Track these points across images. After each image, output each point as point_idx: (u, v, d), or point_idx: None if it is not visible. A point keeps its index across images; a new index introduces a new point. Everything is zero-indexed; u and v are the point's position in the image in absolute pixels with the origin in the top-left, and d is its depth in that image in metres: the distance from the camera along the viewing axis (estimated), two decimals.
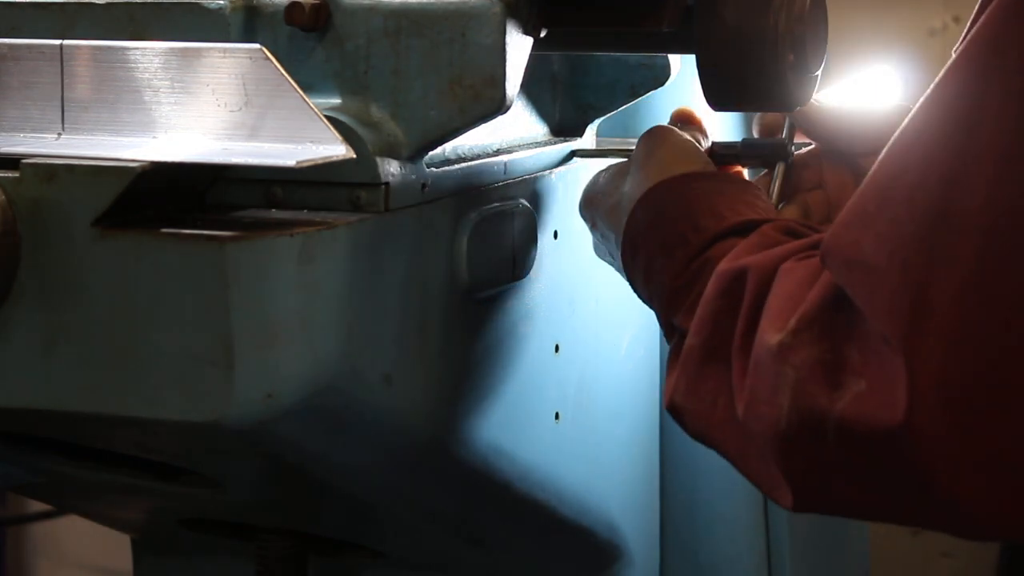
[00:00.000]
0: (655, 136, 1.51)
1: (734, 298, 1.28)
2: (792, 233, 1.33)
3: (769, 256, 1.28)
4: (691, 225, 1.38)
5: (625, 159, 1.58)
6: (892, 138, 1.14)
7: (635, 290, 1.46)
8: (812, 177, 1.61)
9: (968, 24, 1.13)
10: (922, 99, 1.12)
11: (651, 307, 1.44)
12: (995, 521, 1.11)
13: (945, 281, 1.08)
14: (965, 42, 1.10)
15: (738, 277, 1.28)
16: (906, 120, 1.13)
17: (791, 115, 1.58)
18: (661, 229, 1.40)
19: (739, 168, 1.62)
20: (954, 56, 1.11)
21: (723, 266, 1.31)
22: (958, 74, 1.10)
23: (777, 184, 1.60)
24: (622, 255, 1.45)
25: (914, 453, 1.10)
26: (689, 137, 1.53)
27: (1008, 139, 1.06)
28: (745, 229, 1.35)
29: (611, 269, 1.55)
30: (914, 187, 1.10)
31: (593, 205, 1.54)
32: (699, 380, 1.31)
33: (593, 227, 1.56)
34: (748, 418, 1.22)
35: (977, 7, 1.14)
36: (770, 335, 1.19)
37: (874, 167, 1.15)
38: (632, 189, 1.46)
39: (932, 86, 1.12)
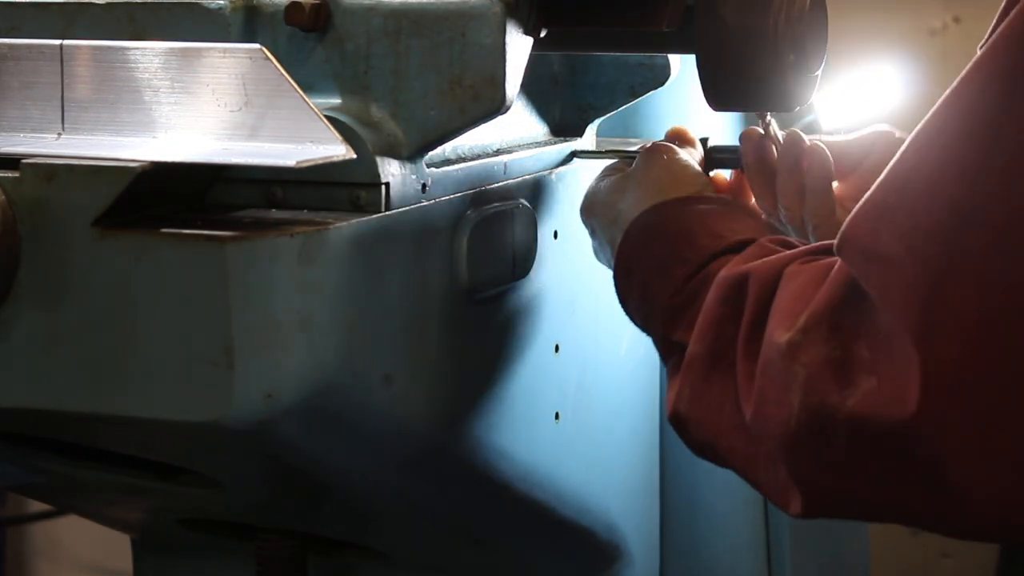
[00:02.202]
0: (654, 155, 1.52)
1: (736, 304, 1.28)
2: (788, 246, 1.33)
3: (770, 262, 1.28)
4: (688, 245, 1.38)
5: (625, 161, 1.58)
6: (914, 131, 1.14)
7: (627, 311, 1.46)
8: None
9: (994, 22, 1.13)
10: (945, 95, 1.12)
11: (644, 328, 1.44)
12: (1007, 520, 1.11)
13: (963, 275, 1.08)
14: (991, 40, 1.10)
15: (739, 284, 1.28)
16: (928, 114, 1.13)
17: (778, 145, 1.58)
18: (657, 250, 1.40)
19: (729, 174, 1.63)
20: (979, 53, 1.11)
21: (723, 274, 1.31)
22: (982, 71, 1.10)
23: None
24: (615, 276, 1.45)
25: (926, 447, 1.10)
26: (688, 157, 1.53)
27: None
28: (743, 247, 1.36)
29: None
30: (934, 180, 1.10)
31: (593, 214, 1.54)
32: (704, 388, 1.31)
33: (593, 234, 1.56)
34: (757, 421, 1.22)
35: (1003, 5, 1.13)
36: (779, 334, 1.19)
37: (894, 159, 1.14)
38: (628, 208, 1.46)
39: (955, 82, 1.11)
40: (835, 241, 1.18)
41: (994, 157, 1.07)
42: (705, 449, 1.34)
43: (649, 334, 1.44)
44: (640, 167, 1.51)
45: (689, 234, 1.39)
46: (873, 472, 1.15)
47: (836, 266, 1.18)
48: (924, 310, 1.09)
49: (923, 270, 1.09)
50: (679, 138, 1.61)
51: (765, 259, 1.29)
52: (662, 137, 1.63)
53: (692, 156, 1.56)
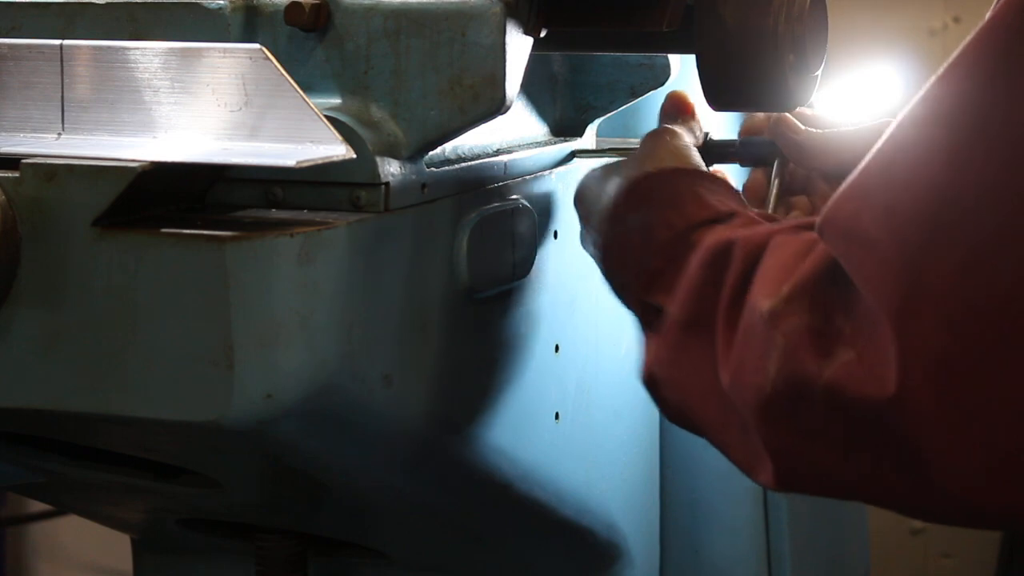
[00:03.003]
0: (655, 136, 1.52)
1: (720, 269, 1.28)
2: (775, 221, 1.34)
3: (757, 231, 1.28)
4: (675, 211, 1.38)
5: (624, 159, 1.58)
6: (899, 115, 1.14)
7: (606, 275, 1.44)
8: (801, 181, 1.62)
9: (989, 13, 1.13)
10: (932, 79, 1.12)
11: (620, 295, 1.43)
12: (978, 504, 1.11)
13: (943, 258, 1.07)
14: (979, 27, 1.10)
15: (725, 250, 1.28)
16: (915, 99, 1.13)
17: (772, 133, 1.59)
18: (645, 213, 1.39)
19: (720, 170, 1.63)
20: (967, 40, 1.11)
21: (709, 240, 1.31)
22: (970, 56, 1.10)
23: (776, 182, 1.61)
24: (602, 238, 1.44)
25: (902, 426, 1.10)
26: (687, 140, 1.53)
27: (1021, 123, 1.06)
28: (730, 217, 1.35)
29: None
30: (918, 163, 1.10)
31: (583, 200, 1.54)
32: (681, 351, 1.30)
33: (585, 221, 1.56)
34: (734, 387, 1.22)
35: None
36: (762, 301, 1.19)
37: (879, 143, 1.14)
38: (621, 179, 1.46)
39: (943, 68, 1.11)
40: (817, 221, 1.18)
41: (979, 142, 1.07)
42: (677, 412, 1.33)
43: (625, 301, 1.42)
44: (641, 145, 1.51)
45: (677, 201, 1.38)
46: (846, 444, 1.14)
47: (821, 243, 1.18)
48: (902, 292, 1.09)
49: (903, 252, 1.09)
50: (678, 105, 1.60)
51: (752, 228, 1.29)
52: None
53: (693, 137, 1.56)
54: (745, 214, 1.36)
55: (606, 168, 1.54)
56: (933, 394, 1.08)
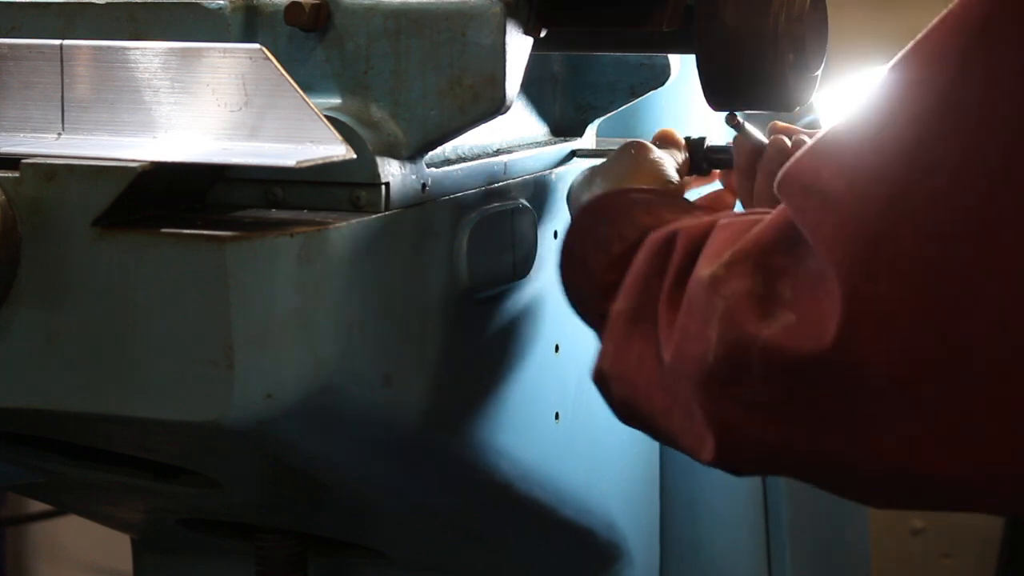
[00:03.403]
0: (624, 150, 1.52)
1: (663, 259, 1.28)
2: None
3: (701, 221, 1.28)
4: (629, 224, 1.38)
5: (597, 167, 1.59)
6: (871, 83, 1.14)
7: (565, 290, 1.45)
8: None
9: None
10: (906, 47, 1.12)
11: (580, 312, 1.43)
12: (915, 473, 1.09)
13: (903, 218, 1.07)
14: (954, 2, 1.11)
15: (668, 239, 1.29)
16: (886, 67, 1.13)
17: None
18: (598, 231, 1.40)
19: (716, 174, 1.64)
20: (944, 11, 1.11)
21: (653, 235, 1.31)
22: (944, 26, 1.09)
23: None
24: (560, 253, 1.44)
25: (840, 381, 1.09)
26: (662, 157, 1.53)
27: (990, 93, 1.06)
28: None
29: None
30: (884, 124, 1.10)
31: (569, 206, 1.55)
32: (626, 344, 1.30)
33: None
34: (675, 362, 1.21)
35: None
36: (703, 269, 1.19)
37: (848, 108, 1.14)
38: (592, 193, 1.47)
39: (917, 37, 1.11)
40: (777, 178, 1.17)
41: (949, 107, 1.07)
42: (625, 408, 1.33)
43: (584, 317, 1.43)
44: (610, 160, 1.51)
45: (631, 215, 1.39)
46: (785, 409, 1.13)
47: (775, 211, 1.18)
48: (856, 247, 1.08)
49: (861, 208, 1.09)
50: (663, 140, 1.61)
51: (697, 220, 1.29)
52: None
53: (670, 156, 1.56)
54: (697, 215, 1.36)
55: (584, 175, 1.54)
56: (883, 347, 1.07)
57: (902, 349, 1.07)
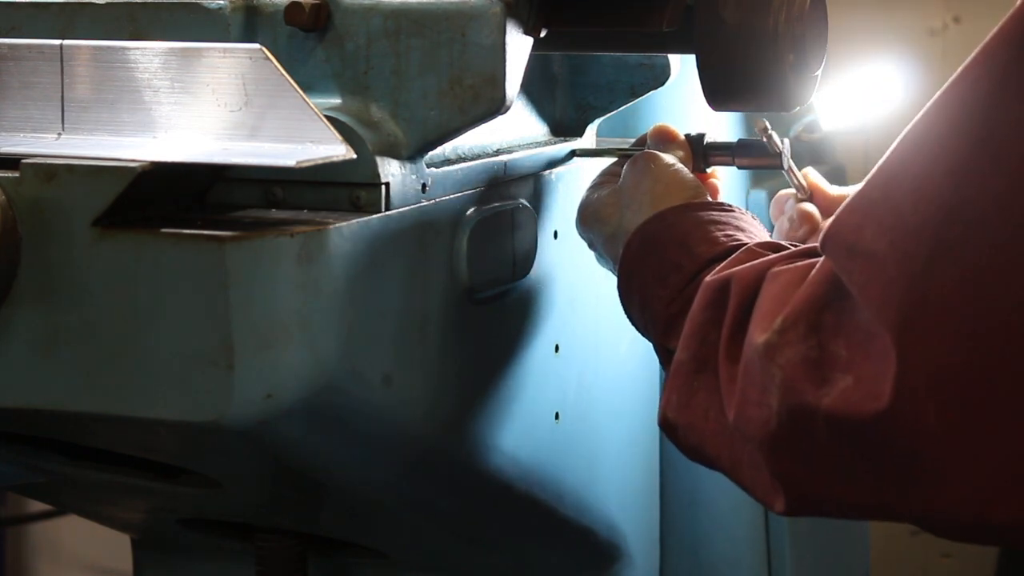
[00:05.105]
0: (640, 166, 1.52)
1: (719, 308, 1.29)
2: (778, 249, 1.34)
3: (753, 266, 1.28)
4: (686, 253, 1.39)
5: (617, 164, 1.58)
6: (904, 130, 1.14)
7: (631, 319, 1.47)
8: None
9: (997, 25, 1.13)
10: (936, 94, 1.12)
11: (646, 336, 1.45)
12: (981, 516, 1.11)
13: (946, 273, 1.08)
14: (985, 41, 1.10)
15: (722, 287, 1.29)
16: (919, 113, 1.13)
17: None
18: (655, 258, 1.41)
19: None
20: (973, 54, 1.11)
21: (708, 279, 1.32)
22: (974, 70, 1.09)
23: (797, 180, 1.63)
24: (618, 286, 1.46)
25: (900, 440, 1.10)
26: (674, 161, 1.53)
27: None
28: (733, 253, 1.36)
29: None
30: (921, 177, 1.10)
31: (590, 228, 1.55)
32: (690, 394, 1.32)
33: (592, 246, 1.57)
34: (739, 423, 1.23)
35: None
36: (757, 336, 1.20)
37: (883, 158, 1.15)
38: (627, 222, 1.47)
39: (948, 82, 1.11)
40: (819, 237, 1.18)
41: (982, 156, 1.07)
42: (695, 454, 1.35)
43: (651, 342, 1.44)
44: (629, 181, 1.51)
45: (686, 241, 1.40)
46: (851, 469, 1.15)
47: (818, 265, 1.18)
48: (904, 306, 1.09)
49: (906, 266, 1.09)
50: (662, 138, 1.61)
51: (750, 263, 1.30)
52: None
53: (677, 157, 1.56)
54: (750, 246, 1.36)
55: (604, 196, 1.54)
56: (935, 406, 1.08)
57: (956, 405, 1.08)
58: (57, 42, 1.34)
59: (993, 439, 1.08)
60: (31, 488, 1.86)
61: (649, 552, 1.95)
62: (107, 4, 1.40)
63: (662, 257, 1.40)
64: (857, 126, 2.21)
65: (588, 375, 1.74)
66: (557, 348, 1.66)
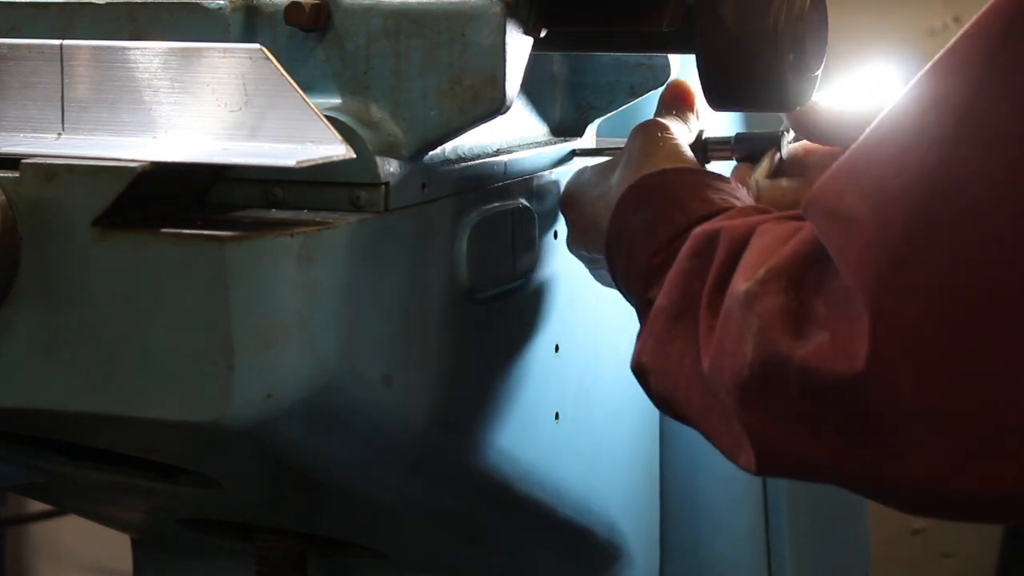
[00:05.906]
0: (648, 133, 1.52)
1: (706, 258, 1.29)
2: (767, 213, 1.34)
3: (745, 220, 1.29)
4: (678, 208, 1.39)
5: (612, 159, 1.58)
6: (891, 102, 1.14)
7: (613, 275, 1.46)
8: (795, 170, 1.63)
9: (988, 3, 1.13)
10: (925, 67, 1.13)
11: (626, 292, 1.44)
12: (945, 483, 1.11)
13: (926, 242, 1.08)
14: (975, 17, 1.11)
15: (711, 238, 1.29)
16: (908, 84, 1.13)
17: (790, 117, 1.59)
18: (648, 210, 1.41)
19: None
20: (963, 29, 1.11)
21: (698, 229, 1.32)
22: (964, 44, 1.10)
23: (764, 164, 1.62)
24: (607, 236, 1.45)
25: (872, 404, 1.10)
26: (680, 138, 1.53)
27: (1012, 112, 1.07)
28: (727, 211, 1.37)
29: None
30: (906, 147, 1.11)
31: (575, 198, 1.55)
32: (667, 340, 1.32)
33: (573, 221, 1.56)
34: (713, 371, 1.23)
35: None
36: (740, 284, 1.20)
37: (870, 127, 1.15)
38: (621, 178, 1.47)
39: (937, 56, 1.12)
40: (803, 201, 1.18)
41: (968, 128, 1.08)
42: (663, 401, 1.35)
43: (629, 298, 1.44)
44: (634, 143, 1.51)
45: (680, 198, 1.40)
46: (818, 424, 1.15)
47: (808, 225, 1.19)
48: (880, 271, 1.09)
49: (885, 231, 1.09)
50: (677, 99, 1.61)
51: (742, 218, 1.30)
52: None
53: (685, 128, 1.57)
54: (743, 207, 1.37)
55: (597, 170, 1.54)
56: (909, 370, 1.08)
57: (929, 371, 1.08)
58: (57, 42, 1.34)
59: (965, 404, 1.08)
60: (31, 488, 1.86)
61: (649, 552, 1.95)
62: (107, 4, 1.40)
63: (654, 210, 1.40)
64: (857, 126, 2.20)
65: (588, 375, 1.74)
66: (557, 348, 1.66)
